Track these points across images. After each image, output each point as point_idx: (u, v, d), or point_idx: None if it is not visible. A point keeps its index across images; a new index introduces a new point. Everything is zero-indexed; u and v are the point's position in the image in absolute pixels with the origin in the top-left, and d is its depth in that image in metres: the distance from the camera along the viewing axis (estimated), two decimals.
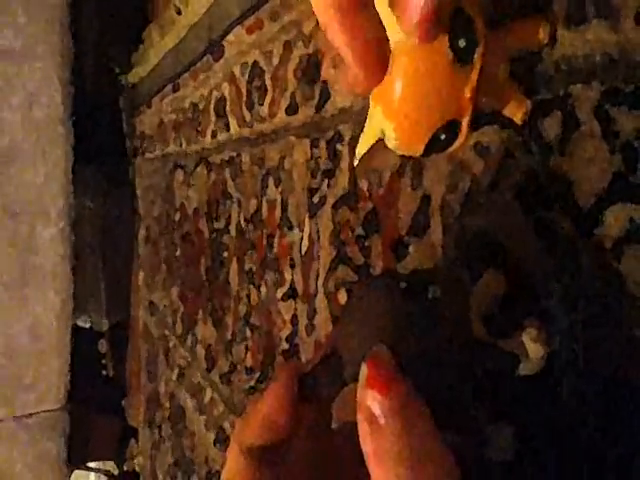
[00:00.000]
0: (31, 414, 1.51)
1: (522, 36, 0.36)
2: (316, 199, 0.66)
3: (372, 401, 0.24)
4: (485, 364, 0.31)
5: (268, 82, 0.78)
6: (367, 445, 0.24)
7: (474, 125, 0.34)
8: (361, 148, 0.35)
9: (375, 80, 0.31)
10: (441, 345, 0.30)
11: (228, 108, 0.94)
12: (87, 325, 1.73)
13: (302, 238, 0.69)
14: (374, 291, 0.31)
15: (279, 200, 0.75)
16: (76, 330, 1.60)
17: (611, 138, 0.32)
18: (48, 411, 1.52)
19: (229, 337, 0.94)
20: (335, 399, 0.32)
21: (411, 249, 0.49)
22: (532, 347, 0.33)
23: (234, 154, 0.92)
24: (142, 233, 1.60)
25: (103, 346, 1.76)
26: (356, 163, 0.36)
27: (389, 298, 0.30)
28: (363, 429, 0.24)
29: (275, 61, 0.76)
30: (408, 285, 0.31)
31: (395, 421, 0.24)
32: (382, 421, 0.24)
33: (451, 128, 0.33)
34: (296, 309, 0.71)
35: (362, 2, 0.28)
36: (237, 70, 0.89)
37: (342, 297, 0.61)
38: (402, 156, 0.48)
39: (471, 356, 0.31)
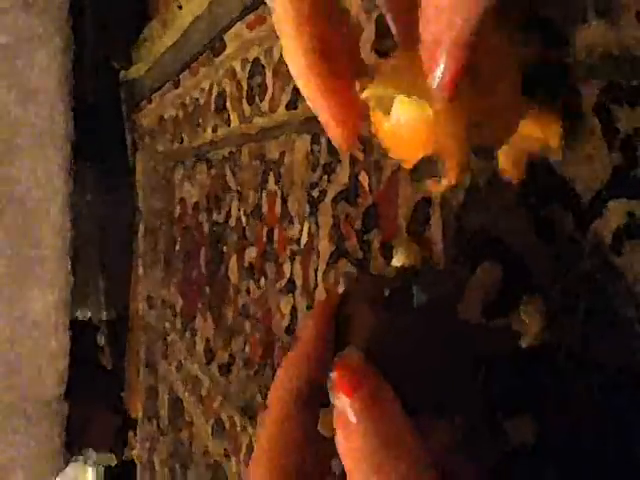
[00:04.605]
0: (30, 403, 1.51)
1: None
2: (316, 193, 0.66)
3: (341, 403, 0.24)
4: (485, 348, 0.31)
5: (269, 78, 0.79)
6: (340, 446, 0.25)
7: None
8: None
9: (353, 137, 0.31)
10: (433, 349, 0.29)
11: (228, 103, 0.94)
12: (86, 318, 1.73)
13: (302, 232, 0.70)
14: (359, 305, 0.31)
15: (279, 194, 0.76)
16: (75, 323, 1.60)
17: (612, 134, 0.32)
18: (47, 401, 1.53)
19: (228, 330, 0.95)
20: None
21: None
22: (531, 319, 0.32)
23: (234, 149, 0.92)
24: (141, 227, 1.60)
25: (102, 339, 1.76)
26: None
27: (373, 312, 0.30)
28: (337, 431, 0.25)
29: (276, 57, 0.77)
30: (392, 291, 0.31)
31: (363, 421, 0.24)
32: (352, 421, 0.24)
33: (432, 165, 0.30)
34: (295, 302, 0.72)
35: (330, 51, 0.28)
36: (238, 66, 0.90)
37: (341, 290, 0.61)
38: None
39: (467, 346, 0.31)
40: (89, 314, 1.73)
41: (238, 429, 0.89)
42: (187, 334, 1.18)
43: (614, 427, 0.31)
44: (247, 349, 0.87)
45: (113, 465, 1.76)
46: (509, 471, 0.33)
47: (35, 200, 1.49)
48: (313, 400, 0.29)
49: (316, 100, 0.29)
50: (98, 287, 1.71)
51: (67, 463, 1.65)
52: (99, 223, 1.69)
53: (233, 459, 0.91)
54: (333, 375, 0.25)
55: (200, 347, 1.09)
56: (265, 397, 0.81)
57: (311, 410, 0.29)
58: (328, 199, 0.63)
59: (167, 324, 1.34)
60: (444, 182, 0.30)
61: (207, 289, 1.05)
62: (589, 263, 0.33)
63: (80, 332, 1.64)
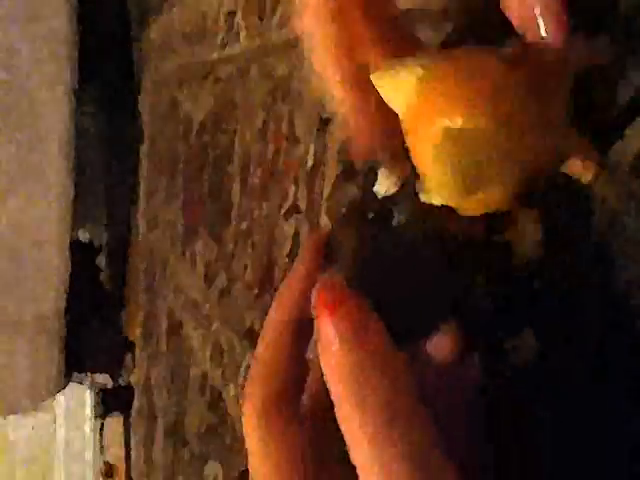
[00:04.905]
0: (29, 319, 1.52)
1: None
2: (324, 114, 0.64)
3: (322, 325, 0.25)
4: (479, 262, 0.31)
5: None
6: (324, 368, 0.25)
7: None
8: None
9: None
10: (415, 267, 0.29)
11: (239, 19, 0.91)
12: (86, 240, 1.73)
13: (308, 153, 0.68)
14: (346, 228, 0.32)
15: (286, 114, 0.74)
16: (76, 245, 1.60)
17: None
18: (46, 316, 1.53)
19: (229, 253, 0.94)
20: None
21: None
22: (529, 228, 0.32)
23: (243, 66, 0.90)
24: (144, 148, 1.59)
25: (102, 260, 1.76)
26: None
27: (358, 232, 0.30)
28: (320, 353, 0.25)
29: None
30: (375, 214, 0.31)
31: (344, 340, 0.24)
32: (334, 343, 0.24)
33: None
34: (298, 226, 0.71)
35: None
36: None
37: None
38: None
39: (455, 264, 0.30)
40: (89, 236, 1.73)
41: (237, 353, 0.89)
42: (187, 257, 1.17)
43: (614, 344, 0.31)
44: (247, 273, 0.86)
45: (110, 387, 1.78)
46: (509, 389, 0.33)
47: (38, 122, 1.47)
48: (304, 329, 0.30)
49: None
50: (100, 208, 1.71)
51: (66, 384, 1.67)
52: (102, 144, 1.67)
53: (231, 383, 0.92)
54: (314, 297, 0.25)
55: (200, 270, 1.08)
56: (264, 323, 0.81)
57: (302, 339, 0.30)
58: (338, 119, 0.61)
59: (167, 247, 1.33)
60: None
61: (209, 210, 1.04)
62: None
63: (81, 254, 1.64)
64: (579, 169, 0.30)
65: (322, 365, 0.25)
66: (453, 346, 0.28)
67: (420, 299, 0.29)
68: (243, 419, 0.30)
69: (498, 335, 0.32)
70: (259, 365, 0.31)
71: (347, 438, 0.24)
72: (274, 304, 0.32)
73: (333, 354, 0.24)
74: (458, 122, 0.28)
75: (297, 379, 0.31)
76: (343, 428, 0.24)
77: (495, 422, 0.32)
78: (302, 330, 0.30)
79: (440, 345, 0.28)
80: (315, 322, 0.25)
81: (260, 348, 0.31)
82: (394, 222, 0.31)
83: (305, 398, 0.31)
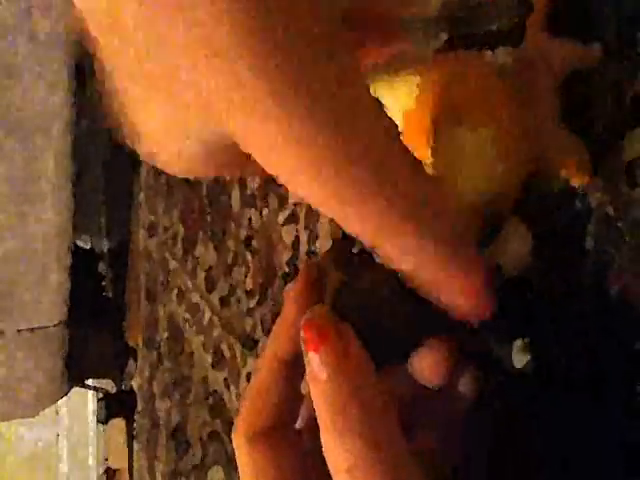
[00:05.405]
0: (31, 329, 1.52)
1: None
2: None
3: (309, 359, 0.26)
4: None
5: None
6: (313, 399, 0.26)
7: None
8: None
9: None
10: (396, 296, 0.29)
11: None
12: (87, 246, 1.73)
13: None
14: (331, 262, 0.31)
15: None
16: (76, 251, 1.60)
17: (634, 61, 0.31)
18: (47, 327, 1.53)
19: (229, 260, 0.94)
20: None
21: None
22: (517, 242, 0.32)
23: None
24: None
25: (103, 267, 1.76)
26: None
27: (340, 269, 0.31)
28: (309, 386, 0.26)
29: None
30: (360, 248, 0.31)
31: (330, 374, 0.25)
32: (319, 376, 0.25)
33: None
34: (297, 233, 0.71)
35: None
36: None
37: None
38: None
39: None
40: (90, 243, 1.73)
41: (238, 359, 0.89)
42: (188, 263, 1.17)
43: (609, 350, 0.31)
44: (248, 280, 0.86)
45: (113, 393, 1.78)
46: (504, 398, 0.33)
47: (37, 121, 1.46)
48: (296, 363, 0.30)
49: None
50: (100, 215, 1.70)
51: (68, 390, 1.67)
52: (102, 147, 1.67)
53: (232, 389, 0.92)
54: (301, 332, 0.26)
55: (201, 276, 1.08)
56: (265, 329, 0.81)
57: (294, 373, 0.31)
58: None
59: (168, 253, 1.33)
60: None
61: (209, 218, 1.04)
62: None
63: (82, 261, 1.63)
64: (573, 171, 0.31)
65: (311, 396, 0.26)
66: (439, 359, 0.29)
67: (407, 324, 0.29)
68: (235, 448, 0.31)
69: (492, 344, 0.32)
70: (248, 398, 0.32)
71: (329, 466, 0.25)
72: (270, 337, 0.33)
73: (317, 386, 0.25)
74: (453, 128, 0.29)
75: (288, 410, 0.31)
76: (326, 457, 0.25)
77: (490, 431, 0.33)
78: (297, 362, 0.30)
79: (425, 359, 0.29)
80: (304, 355, 0.26)
81: (252, 381, 0.32)
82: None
83: (300, 424, 0.32)
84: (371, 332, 0.27)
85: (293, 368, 0.31)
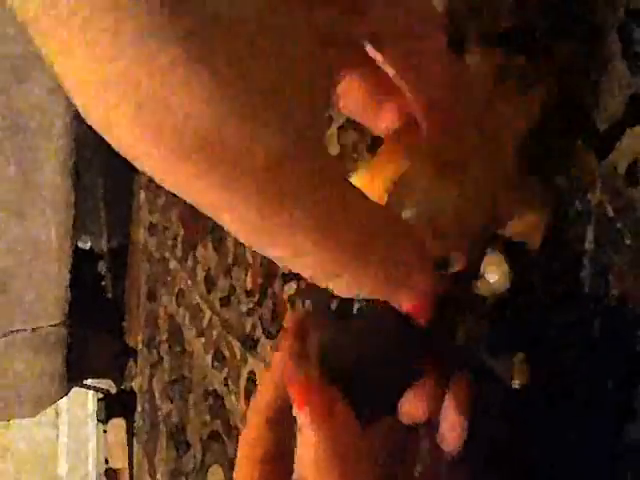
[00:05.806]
0: (31, 329, 1.52)
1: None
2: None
3: (297, 416, 0.27)
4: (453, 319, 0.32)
5: None
6: (303, 450, 0.27)
7: None
8: None
9: None
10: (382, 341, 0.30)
11: None
12: (87, 246, 1.73)
13: None
14: (313, 319, 0.33)
15: None
16: (76, 251, 1.60)
17: (632, 59, 0.31)
18: (47, 327, 1.53)
19: (229, 260, 0.94)
20: None
21: None
22: (494, 274, 0.32)
23: None
24: None
25: (103, 268, 1.76)
26: None
27: (322, 325, 0.32)
28: (298, 443, 0.27)
29: None
30: (338, 303, 0.33)
31: (315, 432, 0.26)
32: (306, 431, 0.27)
33: None
34: None
35: None
36: None
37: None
38: None
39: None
40: (90, 243, 1.72)
41: (238, 359, 0.89)
42: (188, 263, 1.17)
43: (610, 355, 0.31)
44: (248, 280, 0.86)
45: (113, 392, 1.78)
46: (502, 412, 0.34)
47: (37, 121, 1.46)
48: (283, 420, 0.32)
49: None
50: (100, 215, 1.70)
51: (68, 390, 1.67)
52: (102, 147, 1.66)
53: (233, 389, 0.92)
54: (290, 392, 0.27)
55: (201, 276, 1.08)
56: (264, 329, 0.81)
57: (281, 429, 0.32)
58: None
59: (168, 253, 1.33)
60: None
61: (209, 219, 1.04)
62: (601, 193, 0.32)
63: (81, 261, 1.63)
64: (523, 230, 0.30)
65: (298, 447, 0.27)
66: (426, 402, 0.30)
67: (392, 369, 0.30)
68: None
69: (489, 360, 0.32)
70: (241, 448, 0.33)
71: None
72: (259, 387, 0.34)
73: (305, 445, 0.27)
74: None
75: (280, 455, 0.32)
76: None
77: (490, 446, 0.33)
78: (281, 420, 0.32)
79: (413, 403, 0.30)
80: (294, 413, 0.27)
81: (244, 430, 0.33)
82: (355, 308, 0.32)
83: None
84: (361, 383, 0.28)
85: (280, 425, 0.32)
